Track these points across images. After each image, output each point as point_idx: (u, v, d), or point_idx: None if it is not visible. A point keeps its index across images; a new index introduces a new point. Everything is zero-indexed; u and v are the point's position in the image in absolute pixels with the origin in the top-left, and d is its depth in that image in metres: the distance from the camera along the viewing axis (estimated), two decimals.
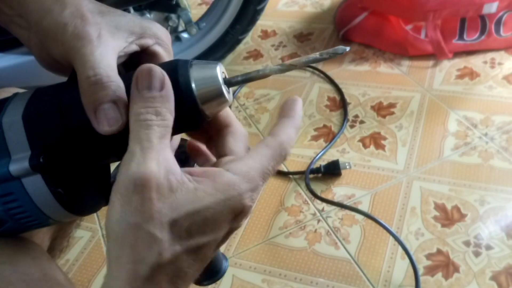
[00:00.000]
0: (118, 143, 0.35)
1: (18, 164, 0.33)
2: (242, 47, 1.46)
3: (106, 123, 0.32)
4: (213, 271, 0.45)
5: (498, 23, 1.23)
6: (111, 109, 0.32)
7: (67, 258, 0.95)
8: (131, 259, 0.29)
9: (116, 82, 0.33)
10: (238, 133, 0.36)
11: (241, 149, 0.35)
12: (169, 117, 0.31)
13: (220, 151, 0.36)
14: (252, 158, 0.32)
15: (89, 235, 0.99)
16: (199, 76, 0.33)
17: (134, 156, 0.30)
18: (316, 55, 0.34)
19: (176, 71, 0.33)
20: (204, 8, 1.62)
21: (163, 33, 0.39)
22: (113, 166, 0.44)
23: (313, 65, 1.32)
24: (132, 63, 0.38)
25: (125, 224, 0.29)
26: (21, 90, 0.38)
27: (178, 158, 0.45)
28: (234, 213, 0.31)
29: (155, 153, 0.30)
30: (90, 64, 0.33)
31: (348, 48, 0.34)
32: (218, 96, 0.34)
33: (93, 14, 0.35)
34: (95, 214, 1.03)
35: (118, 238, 0.29)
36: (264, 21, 1.54)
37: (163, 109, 0.31)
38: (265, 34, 1.51)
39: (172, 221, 0.28)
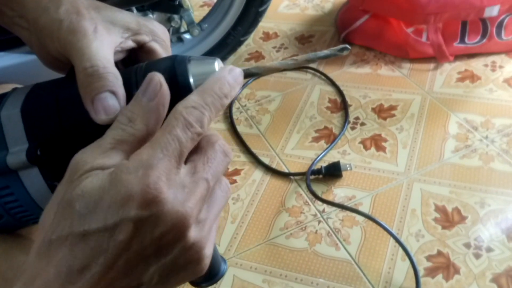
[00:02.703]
0: None
1: (15, 157, 0.33)
2: (244, 49, 1.46)
3: (103, 112, 0.32)
4: (212, 273, 0.45)
5: (499, 27, 1.24)
6: (108, 98, 0.32)
7: None
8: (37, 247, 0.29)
9: (114, 73, 0.33)
10: None
11: None
12: (141, 128, 0.30)
13: None
14: (149, 144, 0.30)
15: None
16: (197, 71, 0.33)
17: (91, 145, 0.30)
18: (317, 52, 0.35)
19: (174, 66, 0.33)
20: (206, 10, 1.63)
21: (160, 30, 0.39)
22: None
23: (315, 67, 1.33)
24: (130, 61, 0.39)
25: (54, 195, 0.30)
26: (20, 86, 0.39)
27: None
28: (122, 195, 0.27)
29: (99, 149, 0.30)
30: (87, 56, 0.33)
31: (349, 47, 0.35)
32: None
33: (88, 10, 0.35)
34: None
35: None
36: (265, 23, 1.55)
37: (138, 118, 0.30)
38: (266, 36, 1.52)
39: (67, 200, 0.28)
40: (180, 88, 0.33)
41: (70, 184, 0.29)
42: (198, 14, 1.55)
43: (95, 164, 0.29)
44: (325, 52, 0.35)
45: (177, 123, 0.29)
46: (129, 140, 0.30)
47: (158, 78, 0.30)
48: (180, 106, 0.30)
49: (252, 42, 1.50)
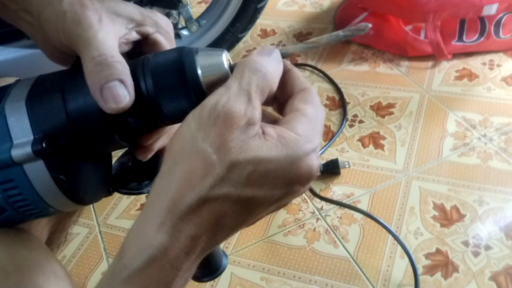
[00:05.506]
0: (121, 126, 0.35)
1: (20, 150, 0.32)
2: (242, 46, 1.45)
3: (112, 100, 0.32)
4: (213, 268, 0.44)
5: (497, 25, 1.24)
6: (117, 86, 0.32)
7: (63, 254, 0.94)
8: (183, 182, 0.29)
9: (121, 62, 0.33)
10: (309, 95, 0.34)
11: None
12: (275, 81, 0.32)
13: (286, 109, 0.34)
14: (305, 118, 0.31)
15: (86, 231, 0.98)
16: (205, 63, 0.33)
17: (229, 90, 0.30)
18: (339, 32, 0.34)
19: (182, 57, 0.33)
20: (203, 7, 1.62)
21: (164, 22, 0.39)
22: (114, 158, 0.44)
23: (313, 64, 1.32)
24: (135, 53, 0.38)
25: (192, 146, 0.29)
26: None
27: None
28: (297, 173, 0.30)
29: (248, 97, 0.30)
30: (94, 45, 0.33)
31: (370, 25, 0.34)
32: (224, 82, 0.34)
33: (92, 1, 0.35)
34: (92, 210, 1.02)
35: (179, 157, 0.29)
36: (263, 20, 1.54)
37: (275, 71, 0.32)
38: (264, 33, 1.51)
39: (236, 161, 0.28)
40: (188, 80, 0.33)
41: (223, 134, 0.29)
42: (196, 10, 1.54)
43: (248, 115, 0.29)
44: (346, 32, 0.35)
45: (318, 105, 0.33)
46: (267, 90, 0.31)
47: (279, 54, 0.33)
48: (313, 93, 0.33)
49: (250, 39, 1.49)
